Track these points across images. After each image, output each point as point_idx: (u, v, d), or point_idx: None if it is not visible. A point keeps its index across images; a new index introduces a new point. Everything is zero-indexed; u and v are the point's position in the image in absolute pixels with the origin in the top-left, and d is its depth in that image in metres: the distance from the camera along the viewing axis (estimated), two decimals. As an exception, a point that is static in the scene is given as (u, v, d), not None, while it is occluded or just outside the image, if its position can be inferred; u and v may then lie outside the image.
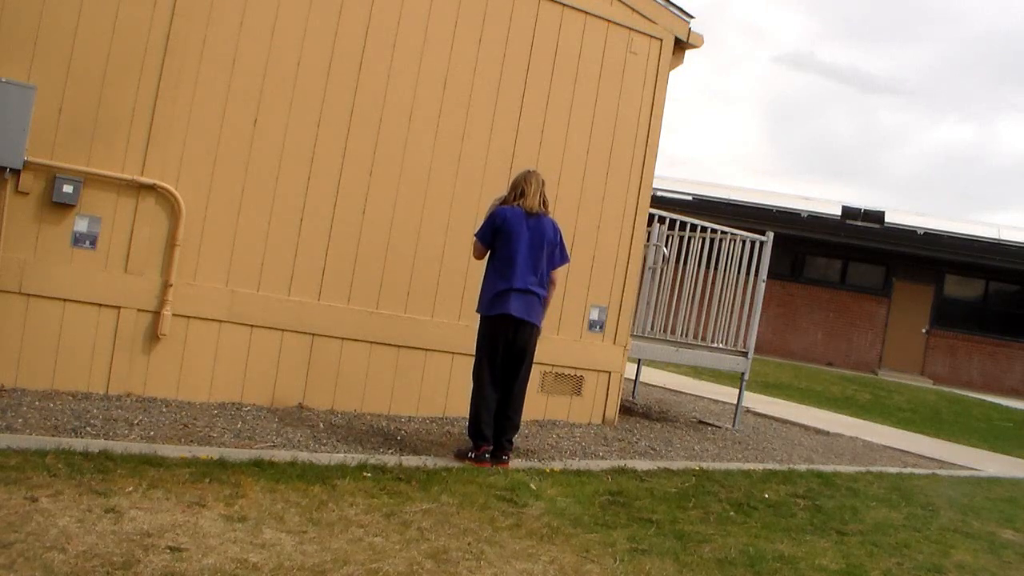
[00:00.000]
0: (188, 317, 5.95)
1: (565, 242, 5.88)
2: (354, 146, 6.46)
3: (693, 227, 8.84)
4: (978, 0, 57.05)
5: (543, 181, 5.75)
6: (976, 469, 8.88)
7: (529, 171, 5.81)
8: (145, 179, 5.78)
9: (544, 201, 5.73)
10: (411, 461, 5.28)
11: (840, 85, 58.23)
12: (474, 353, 5.73)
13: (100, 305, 5.71)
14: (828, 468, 7.34)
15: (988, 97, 57.53)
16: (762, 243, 9.02)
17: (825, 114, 61.38)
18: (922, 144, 60.70)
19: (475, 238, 5.78)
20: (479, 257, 5.80)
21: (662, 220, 8.77)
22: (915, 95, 58.33)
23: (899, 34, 58.71)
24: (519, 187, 5.70)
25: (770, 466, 7.04)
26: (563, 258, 5.83)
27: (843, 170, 58.01)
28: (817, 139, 60.96)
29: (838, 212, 21.98)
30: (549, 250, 5.68)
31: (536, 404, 7.34)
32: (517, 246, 5.57)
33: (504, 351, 5.59)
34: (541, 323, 5.72)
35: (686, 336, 8.84)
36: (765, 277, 9.07)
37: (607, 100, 7.54)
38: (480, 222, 5.83)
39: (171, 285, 5.86)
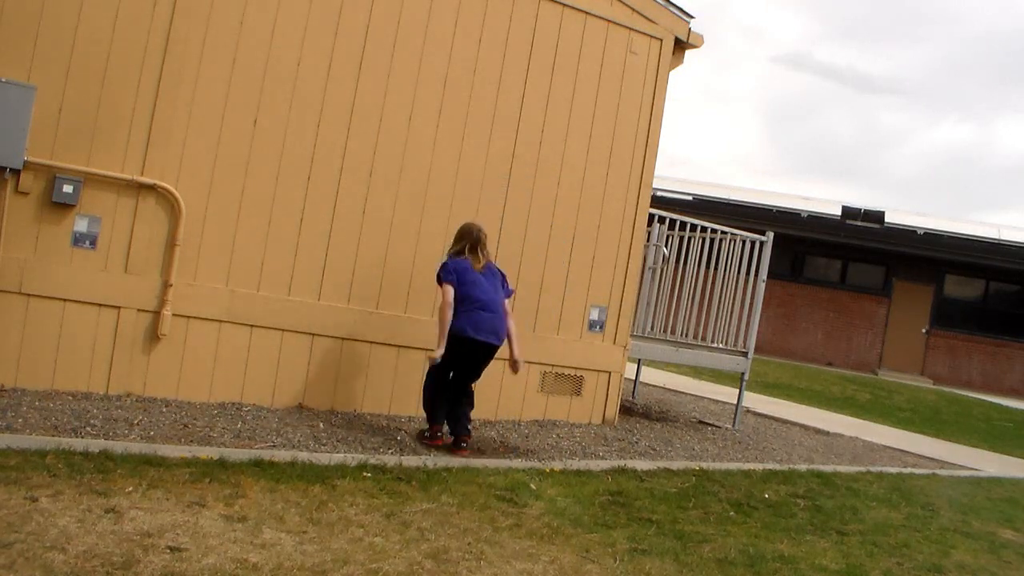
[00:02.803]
0: (188, 317, 5.95)
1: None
2: (354, 146, 6.46)
3: (693, 227, 8.84)
4: (977, 0, 57.08)
5: (486, 236, 6.18)
6: (976, 469, 8.88)
7: (474, 230, 6.13)
8: (145, 179, 5.77)
9: (486, 255, 6.16)
10: (411, 461, 5.28)
11: (839, 85, 58.26)
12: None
13: (100, 305, 5.71)
14: (828, 468, 7.34)
15: (988, 97, 57.56)
16: (762, 243, 9.01)
17: (825, 114, 61.41)
18: (922, 144, 60.74)
19: (442, 285, 6.01)
20: (451, 300, 5.93)
21: (662, 220, 8.77)
22: (915, 95, 58.37)
23: (898, 34, 58.75)
24: (466, 242, 6.07)
25: (770, 466, 7.04)
26: (507, 292, 6.26)
27: (843, 170, 58.04)
28: (817, 139, 60.99)
29: (838, 212, 21.99)
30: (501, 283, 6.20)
31: (536, 404, 7.34)
32: (475, 279, 5.99)
33: (471, 365, 6.09)
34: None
35: (686, 336, 8.84)
36: (765, 277, 9.07)
37: (607, 100, 7.54)
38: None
39: (171, 285, 5.86)
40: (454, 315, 5.92)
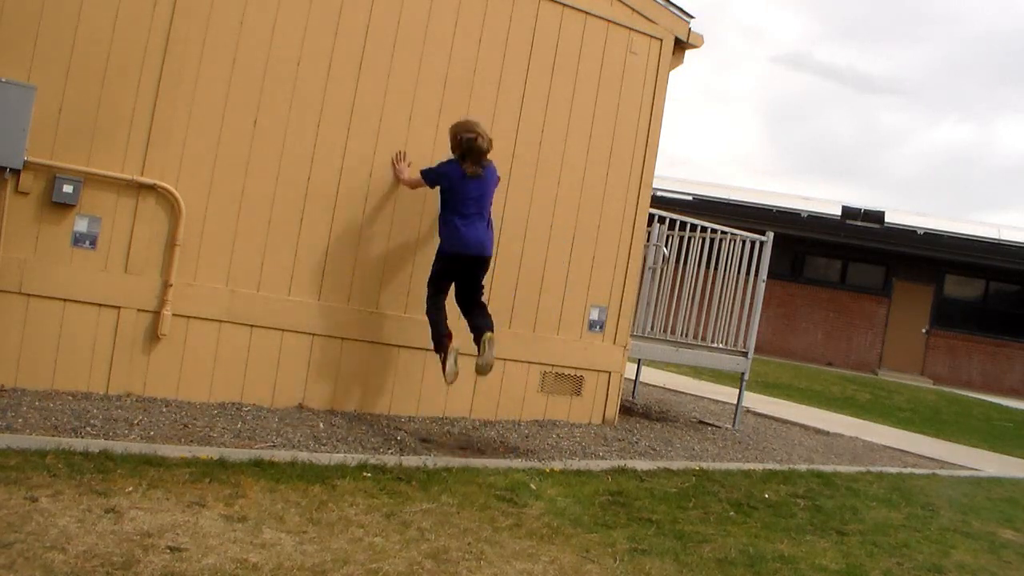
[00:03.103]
0: (188, 317, 5.95)
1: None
2: (354, 146, 6.46)
3: (693, 227, 8.84)
4: (977, 1, 57.08)
5: (483, 139, 6.01)
6: (976, 469, 8.88)
7: (465, 134, 6.02)
8: (145, 179, 5.77)
9: (487, 147, 6.05)
10: (411, 461, 5.28)
11: (839, 85, 58.27)
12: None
13: (100, 305, 5.71)
14: (828, 468, 7.34)
15: (988, 97, 57.58)
16: (762, 243, 9.01)
17: (825, 114, 61.43)
18: (922, 144, 60.75)
19: (419, 173, 6.29)
20: (412, 185, 6.41)
21: (662, 220, 8.77)
22: (915, 95, 58.39)
23: (898, 34, 58.76)
24: (461, 150, 6.04)
25: (770, 466, 7.04)
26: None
27: (843, 170, 58.05)
28: (817, 139, 61.03)
29: (838, 212, 22.00)
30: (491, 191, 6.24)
31: (536, 404, 7.34)
32: (464, 190, 6.06)
33: (468, 278, 6.21)
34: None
35: (686, 336, 8.84)
36: (765, 277, 9.07)
37: (607, 100, 7.54)
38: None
39: (171, 285, 5.86)
40: (441, 229, 6.18)
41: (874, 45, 59.45)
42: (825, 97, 60.43)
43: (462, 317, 6.22)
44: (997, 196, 57.56)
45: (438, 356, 6.07)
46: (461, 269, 6.12)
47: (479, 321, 6.07)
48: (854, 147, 59.88)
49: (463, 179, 6.03)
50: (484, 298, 6.28)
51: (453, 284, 6.22)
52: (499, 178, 6.32)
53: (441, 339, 6.02)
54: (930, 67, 60.36)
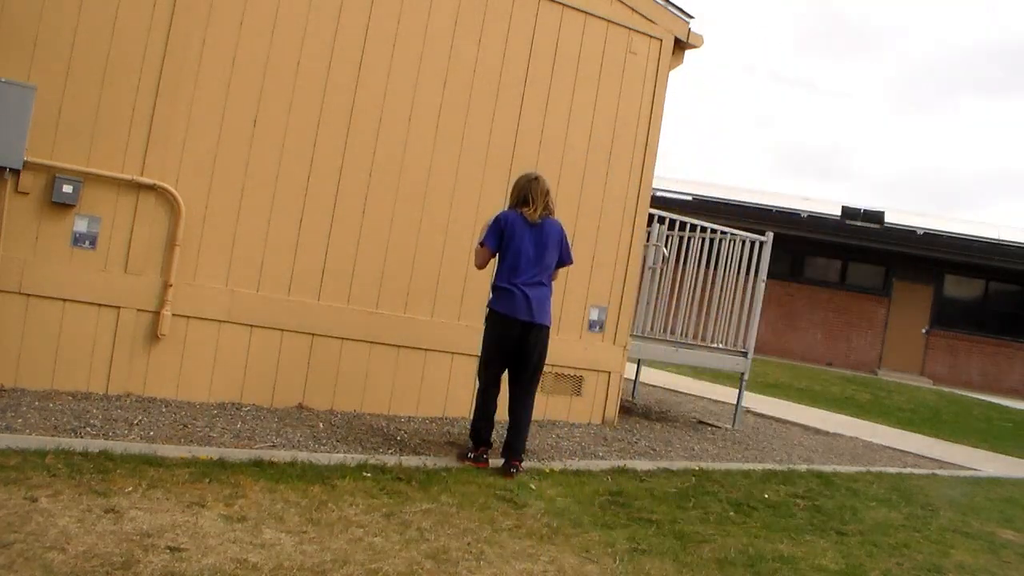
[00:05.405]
0: (188, 317, 5.95)
1: (568, 242, 5.76)
2: (354, 146, 6.46)
3: (693, 227, 8.84)
4: (963, 12, 57.40)
5: (547, 189, 5.58)
6: (976, 469, 8.88)
7: (532, 178, 5.61)
8: (145, 179, 5.77)
9: (549, 209, 5.59)
10: (411, 461, 5.28)
11: (832, 88, 58.49)
12: (478, 353, 5.67)
13: (100, 305, 5.71)
14: (828, 468, 7.34)
15: (968, 104, 57.91)
16: (762, 243, 9.01)
17: (823, 116, 61.63)
18: (910, 146, 61.29)
19: (479, 246, 5.64)
20: (482, 264, 5.70)
21: (662, 220, 8.77)
22: (904, 99, 58.66)
23: (883, 42, 59.09)
24: (523, 194, 5.56)
25: (770, 466, 7.04)
26: (567, 258, 5.71)
27: (843, 170, 58.22)
28: (814, 141, 61.37)
29: (838, 212, 22.00)
30: (553, 251, 5.59)
31: (536, 404, 7.32)
32: (521, 245, 5.47)
33: (514, 352, 5.54)
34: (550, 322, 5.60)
35: (686, 336, 8.84)
36: (765, 277, 9.07)
37: (607, 100, 7.54)
38: (481, 231, 5.76)
39: (171, 285, 5.86)
40: (493, 288, 5.58)
41: (864, 52, 59.90)
42: (822, 99, 60.72)
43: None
44: (981, 198, 58.24)
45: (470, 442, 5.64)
46: (510, 337, 5.46)
47: (510, 448, 5.45)
48: (846, 151, 60.35)
49: (524, 225, 5.48)
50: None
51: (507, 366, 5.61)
52: (562, 234, 5.68)
53: (477, 442, 5.57)
54: (919, 70, 60.85)
